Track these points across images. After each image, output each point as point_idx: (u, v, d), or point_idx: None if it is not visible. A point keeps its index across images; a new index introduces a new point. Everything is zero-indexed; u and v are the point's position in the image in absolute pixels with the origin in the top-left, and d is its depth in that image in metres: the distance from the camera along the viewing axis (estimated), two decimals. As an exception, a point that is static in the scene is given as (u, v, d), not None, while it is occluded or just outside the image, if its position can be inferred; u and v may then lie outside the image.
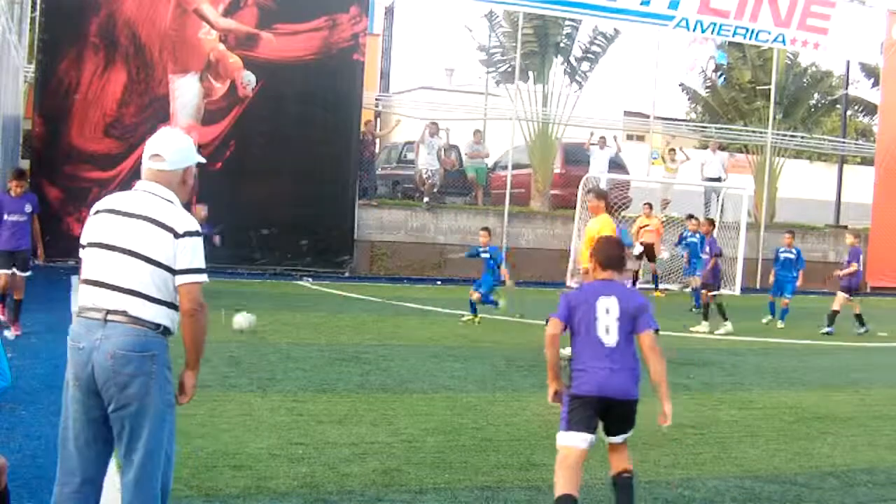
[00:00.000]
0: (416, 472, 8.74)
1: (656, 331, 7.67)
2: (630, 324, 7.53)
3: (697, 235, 23.50)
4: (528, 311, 20.91)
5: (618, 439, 7.67)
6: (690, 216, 25.93)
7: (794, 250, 22.69)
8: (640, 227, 26.19)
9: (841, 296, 21.35)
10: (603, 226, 14.68)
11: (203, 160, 6.28)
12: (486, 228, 20.43)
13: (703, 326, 20.45)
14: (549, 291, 22.51)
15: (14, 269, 15.27)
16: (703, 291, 21.10)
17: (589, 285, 8.10)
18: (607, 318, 7.52)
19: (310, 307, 20.37)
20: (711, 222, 22.34)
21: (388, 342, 13.63)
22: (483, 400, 12.06)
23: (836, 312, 21.14)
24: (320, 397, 11.66)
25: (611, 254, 7.88)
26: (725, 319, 20.56)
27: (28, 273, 15.56)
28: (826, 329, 20.96)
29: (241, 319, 16.39)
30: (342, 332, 16.85)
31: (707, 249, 21.22)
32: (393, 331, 17.35)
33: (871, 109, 42.49)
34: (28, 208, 15.46)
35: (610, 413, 7.51)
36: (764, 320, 22.32)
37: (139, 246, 5.71)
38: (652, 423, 11.20)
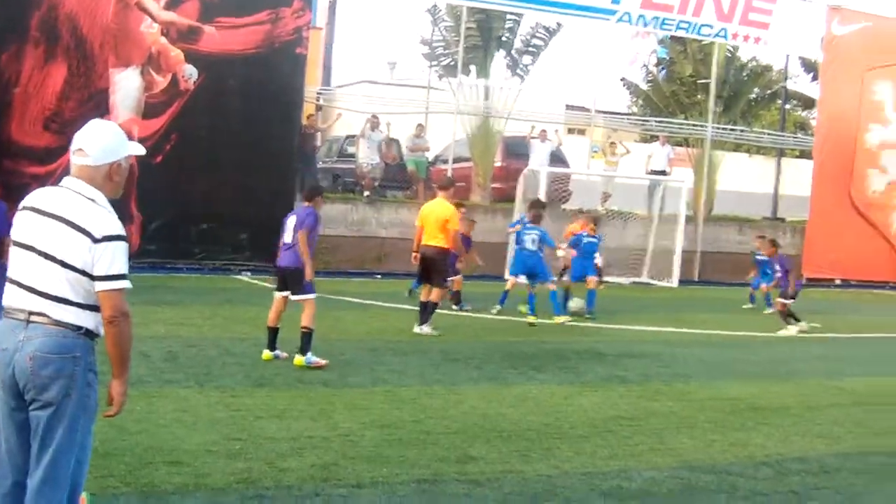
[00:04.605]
0: (353, 466, 8.74)
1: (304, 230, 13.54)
2: (297, 228, 13.56)
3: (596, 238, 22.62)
4: (470, 303, 21.00)
5: (295, 298, 13.75)
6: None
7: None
8: (570, 233, 25.69)
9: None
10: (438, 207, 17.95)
11: (140, 151, 6.10)
12: None
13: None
14: (489, 284, 22.54)
15: None
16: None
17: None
18: (289, 227, 13.85)
19: (249, 302, 20.23)
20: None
21: (326, 336, 13.64)
22: (421, 393, 12.10)
23: None
24: (258, 392, 11.64)
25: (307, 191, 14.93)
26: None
27: None
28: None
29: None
30: (281, 327, 16.73)
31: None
32: (332, 325, 17.23)
33: (809, 103, 43.07)
34: None
35: (285, 278, 13.88)
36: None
37: (55, 250, 5.52)
38: (585, 415, 11.35)
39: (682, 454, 9.98)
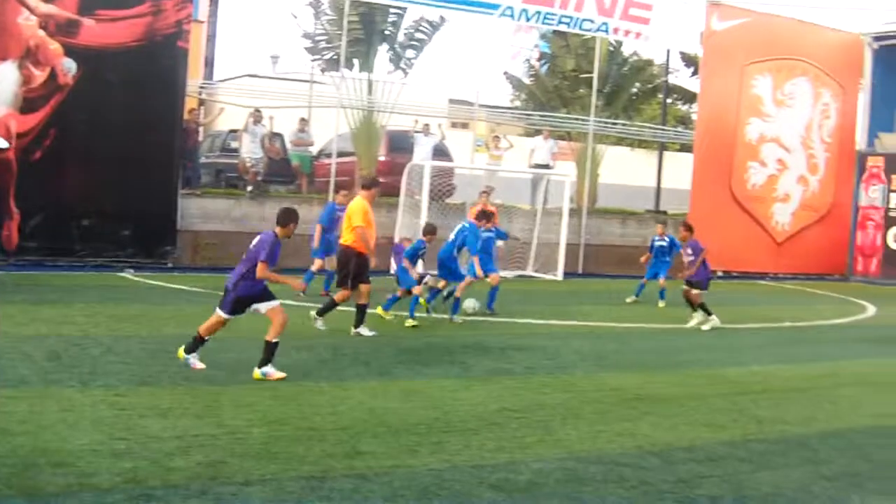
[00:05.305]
0: (241, 463, 8.69)
1: (263, 261, 12.87)
2: (252, 255, 13.05)
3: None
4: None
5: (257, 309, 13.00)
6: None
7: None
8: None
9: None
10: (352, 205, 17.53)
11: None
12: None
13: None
14: (373, 279, 22.45)
15: None
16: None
17: None
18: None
19: (132, 299, 19.99)
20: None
21: (213, 335, 13.52)
22: (307, 389, 12.06)
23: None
24: (143, 390, 11.49)
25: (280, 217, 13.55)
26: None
27: None
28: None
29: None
30: (165, 325, 16.60)
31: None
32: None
33: (689, 97, 43.63)
34: None
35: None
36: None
37: None
38: (473, 409, 11.34)
39: (569, 445, 10.08)
